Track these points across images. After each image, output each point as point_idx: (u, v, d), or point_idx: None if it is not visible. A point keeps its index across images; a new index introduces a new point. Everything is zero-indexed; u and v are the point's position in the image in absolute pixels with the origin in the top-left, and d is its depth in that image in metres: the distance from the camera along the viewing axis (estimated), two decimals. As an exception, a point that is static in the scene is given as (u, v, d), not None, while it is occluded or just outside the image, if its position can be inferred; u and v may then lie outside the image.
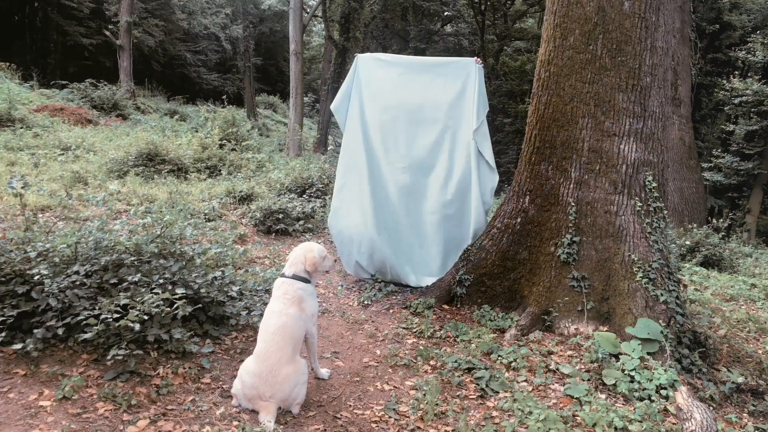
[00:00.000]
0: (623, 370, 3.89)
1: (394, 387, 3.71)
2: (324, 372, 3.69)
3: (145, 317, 3.27)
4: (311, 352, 3.57)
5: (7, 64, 17.39)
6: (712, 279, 7.74)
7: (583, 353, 4.23)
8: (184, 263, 4.04)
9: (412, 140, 5.75)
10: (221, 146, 10.93)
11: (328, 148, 23.54)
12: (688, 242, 9.03)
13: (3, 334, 3.28)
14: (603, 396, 3.72)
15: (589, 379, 3.89)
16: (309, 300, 3.39)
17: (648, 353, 4.04)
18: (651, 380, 3.77)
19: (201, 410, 3.10)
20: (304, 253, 3.47)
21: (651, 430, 3.27)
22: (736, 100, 15.58)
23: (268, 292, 4.92)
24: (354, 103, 5.84)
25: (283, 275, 3.44)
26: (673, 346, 4.13)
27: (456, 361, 4.01)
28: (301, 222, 7.45)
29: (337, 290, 5.59)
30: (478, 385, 3.78)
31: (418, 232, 5.74)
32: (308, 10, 24.92)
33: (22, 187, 4.20)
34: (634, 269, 4.55)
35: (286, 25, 24.21)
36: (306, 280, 3.44)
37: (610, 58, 4.81)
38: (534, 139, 5.17)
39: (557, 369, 4.05)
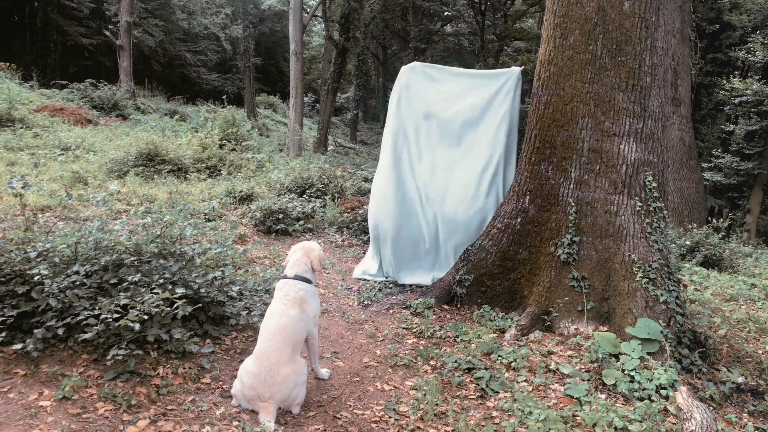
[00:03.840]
0: (623, 370, 3.89)
1: (394, 387, 3.71)
2: (324, 372, 3.70)
3: (145, 317, 3.27)
4: (312, 352, 3.58)
5: (7, 64, 17.39)
6: (712, 279, 7.74)
7: (583, 353, 4.23)
8: (184, 263, 4.04)
9: (438, 156, 5.91)
10: (221, 146, 10.93)
11: (328, 149, 23.58)
12: (688, 242, 9.03)
13: (3, 334, 3.28)
14: (603, 396, 3.72)
15: (589, 379, 3.89)
16: (311, 301, 3.41)
17: (648, 353, 4.04)
18: (651, 380, 3.77)
19: (201, 410, 3.10)
20: (306, 253, 3.50)
21: (651, 430, 3.27)
22: (736, 100, 15.58)
23: (268, 292, 4.93)
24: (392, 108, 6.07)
25: (284, 276, 3.45)
26: (673, 346, 4.13)
27: (456, 361, 4.01)
28: (301, 222, 7.45)
29: (337, 290, 5.59)
30: (478, 385, 3.77)
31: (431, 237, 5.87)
32: (308, 10, 24.92)
33: (22, 187, 4.21)
34: (634, 269, 4.55)
35: (286, 25, 24.21)
36: (308, 281, 3.45)
37: (610, 58, 4.81)
38: (534, 139, 5.17)
39: (557, 369, 4.05)
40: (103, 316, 3.21)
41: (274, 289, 4.90)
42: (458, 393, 3.67)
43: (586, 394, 3.66)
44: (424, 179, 5.80)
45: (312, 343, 3.51)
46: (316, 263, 3.50)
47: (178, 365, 3.47)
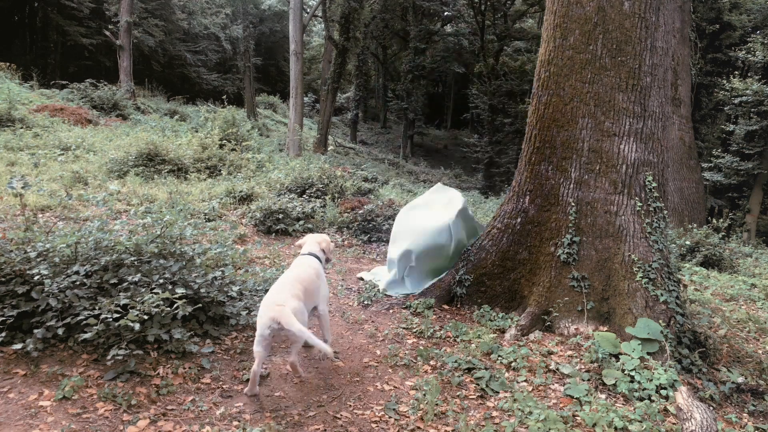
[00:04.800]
0: (623, 370, 3.89)
1: (394, 387, 3.71)
2: (330, 351, 3.86)
3: (145, 317, 3.27)
4: (325, 329, 3.98)
5: (7, 64, 17.39)
6: (712, 279, 7.74)
7: (583, 353, 4.23)
8: (184, 263, 4.04)
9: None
10: (221, 146, 10.93)
11: (328, 149, 23.59)
12: (688, 242, 9.04)
13: (3, 334, 3.28)
14: (603, 396, 3.72)
15: (589, 379, 3.89)
16: (322, 276, 3.94)
17: (648, 353, 4.04)
18: (651, 380, 3.77)
19: (201, 410, 3.11)
20: (315, 239, 4.13)
21: (651, 430, 3.27)
22: (736, 100, 15.60)
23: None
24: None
25: (300, 255, 3.97)
26: (673, 346, 4.13)
27: (456, 361, 4.01)
28: (301, 222, 7.45)
29: (337, 290, 5.59)
30: (478, 385, 3.77)
31: None
32: (308, 10, 24.93)
33: (22, 187, 4.21)
34: (634, 269, 4.55)
35: (286, 25, 24.23)
36: (319, 260, 3.99)
37: (610, 58, 4.81)
38: (534, 139, 5.17)
39: (557, 369, 4.05)
40: (103, 316, 3.21)
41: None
42: (458, 393, 3.67)
43: (586, 394, 3.66)
44: None
45: (324, 319, 3.93)
46: (325, 245, 4.13)
47: (178, 365, 3.47)
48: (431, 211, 5.97)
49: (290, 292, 3.49)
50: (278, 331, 3.31)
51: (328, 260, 4.28)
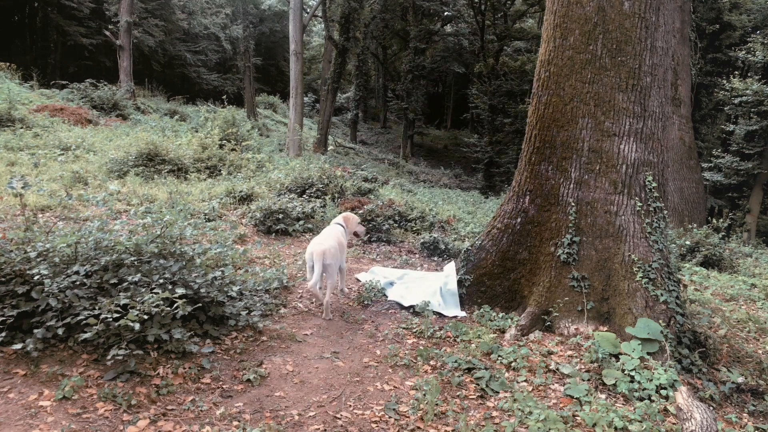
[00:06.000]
0: (623, 370, 3.89)
1: (394, 387, 3.70)
2: (346, 290, 5.36)
3: (145, 317, 3.27)
4: (343, 280, 5.19)
5: (7, 64, 17.39)
6: (712, 279, 7.74)
7: (583, 353, 4.23)
8: (184, 263, 4.04)
9: None
10: (221, 146, 10.92)
11: (328, 149, 23.59)
12: (688, 242, 9.04)
13: (3, 334, 3.28)
14: (603, 396, 3.72)
15: (589, 379, 3.89)
16: (344, 238, 5.13)
17: (648, 353, 4.04)
18: (651, 380, 3.77)
19: (201, 410, 3.11)
20: (342, 215, 5.34)
21: (651, 430, 3.27)
22: (736, 100, 15.60)
23: (268, 292, 4.95)
24: None
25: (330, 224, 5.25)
26: (673, 346, 4.13)
27: (456, 361, 4.01)
28: (301, 222, 7.45)
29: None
30: (478, 385, 3.77)
31: None
32: (308, 10, 24.92)
33: (22, 187, 4.20)
34: (634, 269, 4.55)
35: (286, 25, 24.23)
36: (344, 229, 5.19)
37: (610, 58, 4.81)
38: (534, 139, 5.17)
39: (557, 369, 4.05)
40: (103, 316, 3.21)
41: (274, 288, 5.02)
42: (458, 393, 3.67)
43: (586, 394, 3.66)
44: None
45: (344, 273, 5.07)
46: (344, 217, 5.32)
47: (178, 365, 3.47)
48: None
49: (331, 238, 4.81)
50: (313, 264, 4.53)
51: (356, 235, 5.54)
